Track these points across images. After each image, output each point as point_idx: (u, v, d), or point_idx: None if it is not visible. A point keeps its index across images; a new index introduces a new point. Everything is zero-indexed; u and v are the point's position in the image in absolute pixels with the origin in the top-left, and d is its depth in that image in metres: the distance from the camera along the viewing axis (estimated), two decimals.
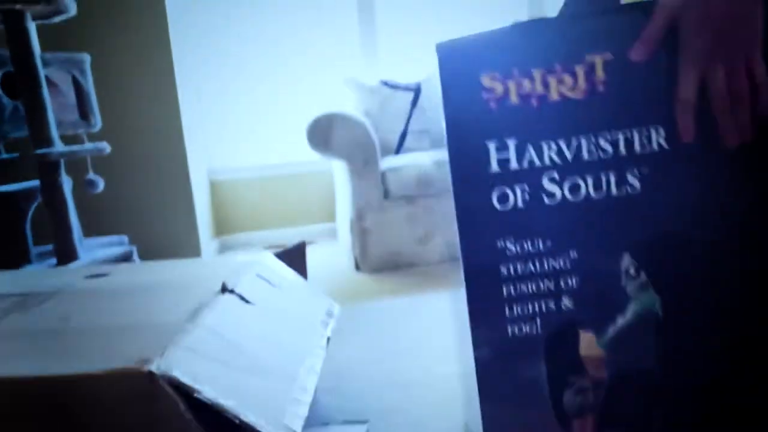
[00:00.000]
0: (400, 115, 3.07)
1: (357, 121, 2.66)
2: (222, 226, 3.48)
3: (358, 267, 2.69)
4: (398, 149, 3.01)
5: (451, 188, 0.70)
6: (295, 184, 3.52)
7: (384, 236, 2.68)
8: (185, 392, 0.77)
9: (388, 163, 2.72)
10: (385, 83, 3.20)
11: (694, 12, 0.63)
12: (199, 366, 0.83)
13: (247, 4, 3.63)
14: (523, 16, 3.59)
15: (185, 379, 0.78)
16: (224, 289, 1.09)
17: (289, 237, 3.48)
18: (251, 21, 3.62)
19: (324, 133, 2.62)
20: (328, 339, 1.21)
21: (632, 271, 0.69)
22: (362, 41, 3.54)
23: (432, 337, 1.73)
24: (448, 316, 1.86)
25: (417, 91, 3.08)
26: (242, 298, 1.11)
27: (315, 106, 2.99)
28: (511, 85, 0.67)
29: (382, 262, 2.68)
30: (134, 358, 0.78)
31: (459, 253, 0.70)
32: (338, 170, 2.96)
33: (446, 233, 2.66)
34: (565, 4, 1.12)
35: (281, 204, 3.52)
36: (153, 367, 0.76)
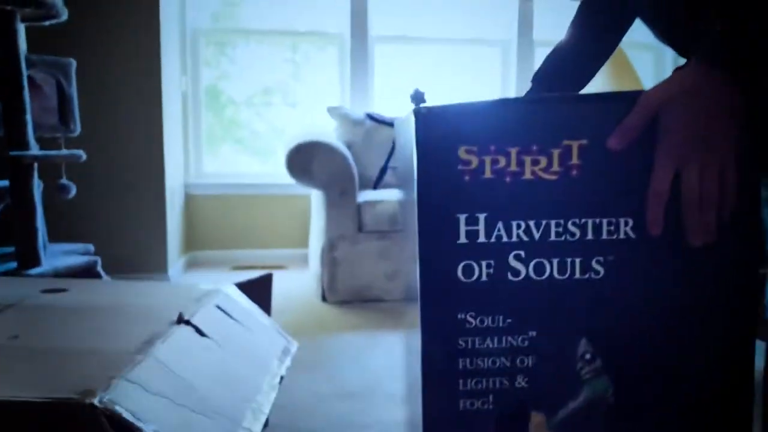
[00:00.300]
0: (382, 149, 3.08)
1: (338, 151, 2.66)
2: (193, 242, 3.44)
3: (324, 297, 2.67)
4: (377, 184, 3.01)
5: (416, 252, 0.70)
6: (272, 206, 3.50)
7: (354, 269, 2.66)
8: (127, 428, 0.75)
9: (365, 196, 2.72)
10: (370, 116, 3.21)
11: (678, 109, 0.64)
12: (144, 401, 0.81)
13: (241, 19, 3.64)
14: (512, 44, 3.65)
15: (127, 415, 0.76)
16: (180, 320, 1.07)
17: (260, 259, 3.45)
18: (243, 36, 3.63)
19: (304, 161, 2.61)
20: (282, 378, 1.20)
21: (588, 356, 0.69)
22: (353, 71, 3.56)
23: (391, 377, 1.72)
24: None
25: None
26: (198, 331, 1.10)
27: (299, 130, 2.99)
28: (487, 160, 0.67)
29: (350, 294, 2.67)
30: (77, 388, 0.76)
31: (419, 321, 0.70)
32: (315, 198, 2.95)
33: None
34: (529, 91, 1.14)
35: (256, 224, 3.49)
36: (95, 401, 0.74)
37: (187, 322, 1.08)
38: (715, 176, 0.64)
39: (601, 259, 0.68)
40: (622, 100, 0.67)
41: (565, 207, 0.67)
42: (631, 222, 0.67)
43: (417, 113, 0.67)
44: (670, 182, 0.65)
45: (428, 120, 0.67)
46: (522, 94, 1.19)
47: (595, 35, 1.12)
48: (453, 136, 0.67)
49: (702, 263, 0.68)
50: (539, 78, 1.13)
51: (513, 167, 0.67)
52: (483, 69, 3.72)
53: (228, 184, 3.49)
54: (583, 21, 1.13)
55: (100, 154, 2.70)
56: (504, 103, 0.70)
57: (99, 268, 1.93)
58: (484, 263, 0.68)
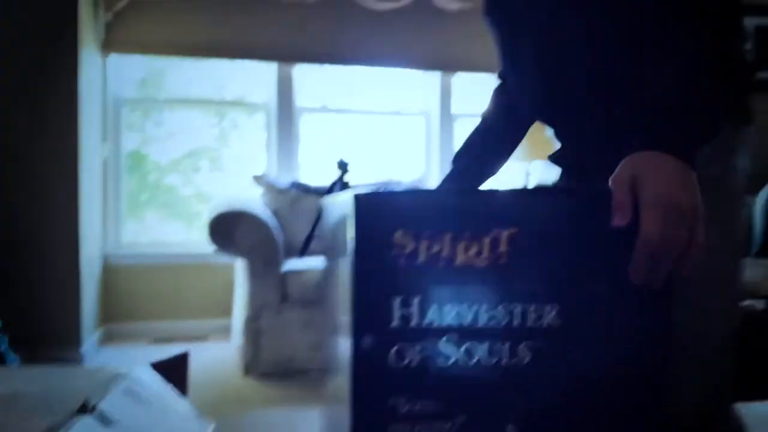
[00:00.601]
0: (307, 217, 3.08)
1: (262, 221, 2.65)
2: (111, 314, 3.30)
3: (247, 371, 2.59)
4: (303, 251, 3.00)
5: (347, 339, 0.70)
6: (195, 275, 3.41)
7: (278, 340, 2.61)
8: None
9: (290, 265, 2.70)
10: (296, 184, 3.22)
11: (647, 178, 0.68)
12: None
13: (167, 87, 3.62)
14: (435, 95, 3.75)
15: None
16: (85, 408, 1.01)
17: (181, 330, 3.34)
18: (168, 105, 3.60)
19: (227, 231, 2.58)
20: None
21: None
22: (279, 140, 3.58)
23: None
24: None
25: (327, 195, 3.11)
26: (103, 419, 1.03)
27: (224, 197, 2.96)
28: (422, 245, 0.68)
29: (274, 366, 2.60)
30: None
31: (348, 406, 0.69)
32: (239, 267, 2.90)
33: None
34: (443, 182, 1.18)
35: (177, 294, 3.39)
36: None
37: (92, 410, 1.02)
38: (688, 228, 0.67)
39: (527, 344, 0.70)
40: (546, 194, 0.71)
41: (494, 293, 0.69)
42: (556, 308, 0.70)
43: (357, 198, 0.68)
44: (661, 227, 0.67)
45: (367, 205, 0.68)
46: (445, 163, 1.23)
47: (508, 117, 1.17)
48: (390, 220, 0.68)
49: (625, 348, 0.71)
50: (459, 158, 1.16)
51: (446, 253, 0.68)
52: (407, 137, 3.80)
53: (149, 254, 3.39)
54: (497, 102, 1.19)
55: (11, 223, 2.59)
56: (439, 191, 0.73)
57: (5, 347, 1.81)
58: (416, 347, 0.69)
